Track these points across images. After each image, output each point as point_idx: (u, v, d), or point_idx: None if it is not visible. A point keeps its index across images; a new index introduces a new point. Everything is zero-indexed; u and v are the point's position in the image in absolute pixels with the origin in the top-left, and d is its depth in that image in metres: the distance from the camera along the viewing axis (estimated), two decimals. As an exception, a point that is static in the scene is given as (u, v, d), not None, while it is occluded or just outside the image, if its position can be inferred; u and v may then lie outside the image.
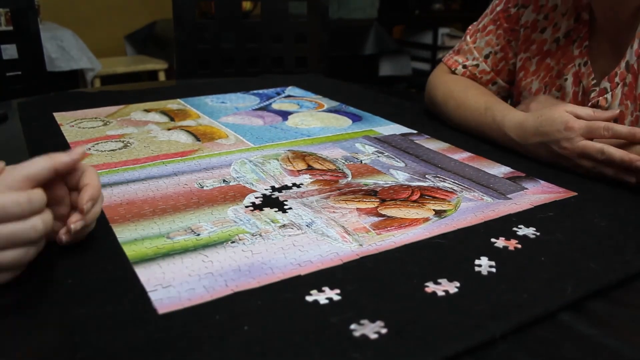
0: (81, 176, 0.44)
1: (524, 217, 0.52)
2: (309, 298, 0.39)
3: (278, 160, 0.66)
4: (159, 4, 2.96)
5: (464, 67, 0.87)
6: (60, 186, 0.44)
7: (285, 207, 0.53)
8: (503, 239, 0.48)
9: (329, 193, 0.57)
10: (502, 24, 0.84)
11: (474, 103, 0.77)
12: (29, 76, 1.18)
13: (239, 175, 0.61)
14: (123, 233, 0.47)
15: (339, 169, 0.64)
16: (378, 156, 0.68)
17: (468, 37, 0.88)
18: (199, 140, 0.73)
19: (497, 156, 0.69)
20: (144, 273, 0.41)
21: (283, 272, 0.42)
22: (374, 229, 0.49)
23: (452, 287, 0.40)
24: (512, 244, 0.47)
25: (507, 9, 0.83)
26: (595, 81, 0.73)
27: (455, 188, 0.59)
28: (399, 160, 0.67)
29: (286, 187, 0.58)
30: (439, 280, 0.41)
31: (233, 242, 0.46)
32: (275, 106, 0.92)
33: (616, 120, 0.67)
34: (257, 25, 1.35)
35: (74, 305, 0.37)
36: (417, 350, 0.33)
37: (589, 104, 0.73)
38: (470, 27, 0.89)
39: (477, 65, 0.86)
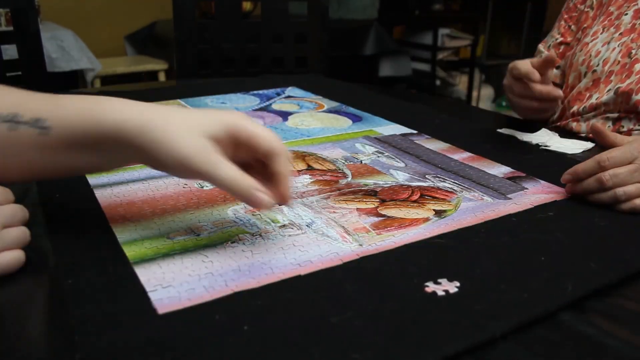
0: None
1: (524, 217, 0.52)
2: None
3: (278, 160, 0.66)
4: (159, 4, 2.96)
5: None
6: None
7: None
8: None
9: (329, 193, 0.57)
10: (562, 17, 0.98)
11: None
12: (29, 76, 1.18)
13: (239, 175, 0.61)
14: (123, 233, 0.47)
15: (339, 169, 0.64)
16: (378, 156, 0.68)
17: (539, 44, 1.02)
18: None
19: (497, 156, 0.69)
20: (144, 273, 0.41)
21: (283, 272, 0.42)
22: (374, 229, 0.49)
23: (452, 287, 0.40)
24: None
25: (567, 4, 0.97)
26: None
27: (455, 188, 0.59)
28: (399, 160, 0.67)
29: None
30: (439, 280, 0.41)
31: (233, 242, 0.46)
32: (275, 107, 0.92)
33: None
34: (257, 25, 1.35)
35: (74, 305, 0.37)
36: (417, 350, 0.33)
37: None
38: None
39: (541, 56, 0.98)
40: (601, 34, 0.86)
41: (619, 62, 0.82)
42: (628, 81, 0.79)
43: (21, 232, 0.41)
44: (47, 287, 0.41)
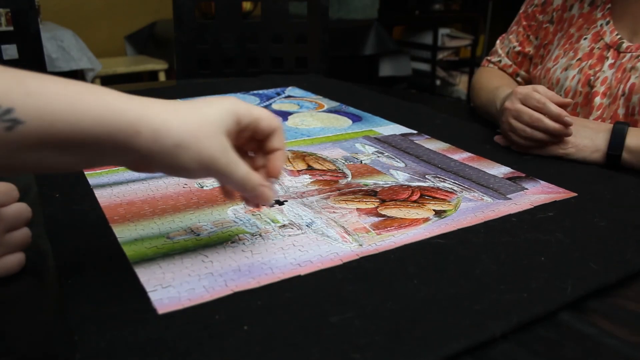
0: None
1: (524, 217, 0.52)
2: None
3: (278, 160, 0.66)
4: (159, 4, 2.96)
5: (492, 63, 1.00)
6: None
7: (284, 203, 0.53)
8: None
9: (329, 193, 0.57)
10: (521, 23, 0.95)
11: (488, 85, 0.89)
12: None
13: (239, 175, 0.61)
14: (123, 233, 0.47)
15: (339, 169, 0.64)
16: (378, 156, 0.68)
17: (497, 42, 1.01)
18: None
19: (497, 156, 0.69)
20: (144, 273, 0.41)
21: (283, 272, 0.42)
22: (374, 229, 0.49)
23: (452, 287, 0.40)
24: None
25: (526, 9, 0.95)
26: (620, 36, 0.80)
27: (455, 188, 0.59)
28: (399, 160, 0.67)
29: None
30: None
31: (233, 242, 0.46)
32: (275, 106, 0.92)
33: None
34: (257, 25, 1.35)
35: (74, 305, 0.37)
36: (417, 350, 0.33)
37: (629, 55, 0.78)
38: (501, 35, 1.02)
39: (500, 61, 0.99)
40: (561, 58, 0.85)
41: (580, 92, 0.80)
42: (591, 117, 0.79)
43: (23, 235, 0.41)
44: (47, 287, 0.41)
